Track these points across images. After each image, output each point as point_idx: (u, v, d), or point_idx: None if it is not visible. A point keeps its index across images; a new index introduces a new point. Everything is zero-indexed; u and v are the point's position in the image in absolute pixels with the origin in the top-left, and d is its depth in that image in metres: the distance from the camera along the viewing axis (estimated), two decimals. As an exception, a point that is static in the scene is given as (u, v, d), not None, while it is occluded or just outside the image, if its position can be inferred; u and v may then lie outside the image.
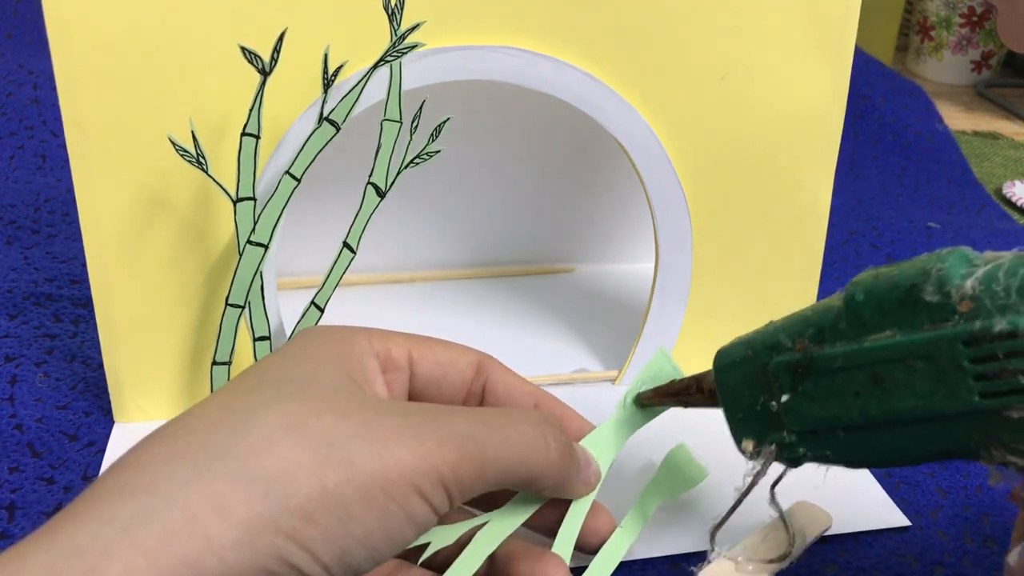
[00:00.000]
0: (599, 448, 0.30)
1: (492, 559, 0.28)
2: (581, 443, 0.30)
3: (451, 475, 0.24)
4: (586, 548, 0.30)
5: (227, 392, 0.24)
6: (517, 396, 0.30)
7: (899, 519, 0.34)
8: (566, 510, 0.29)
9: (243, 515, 0.21)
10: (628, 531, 0.31)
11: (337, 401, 0.24)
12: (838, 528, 0.33)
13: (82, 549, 0.20)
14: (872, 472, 0.36)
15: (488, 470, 0.25)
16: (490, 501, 0.29)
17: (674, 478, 0.33)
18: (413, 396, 0.29)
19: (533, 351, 0.43)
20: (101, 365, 0.36)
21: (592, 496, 0.30)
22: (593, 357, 0.42)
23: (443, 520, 0.28)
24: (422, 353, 0.29)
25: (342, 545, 0.22)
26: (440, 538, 0.27)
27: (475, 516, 0.28)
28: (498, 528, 0.28)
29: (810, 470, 0.36)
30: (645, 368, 0.32)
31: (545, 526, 0.30)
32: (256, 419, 0.23)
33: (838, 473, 0.36)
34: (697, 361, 0.41)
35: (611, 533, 0.30)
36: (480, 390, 0.30)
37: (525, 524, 0.29)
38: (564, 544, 0.29)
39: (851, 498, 0.35)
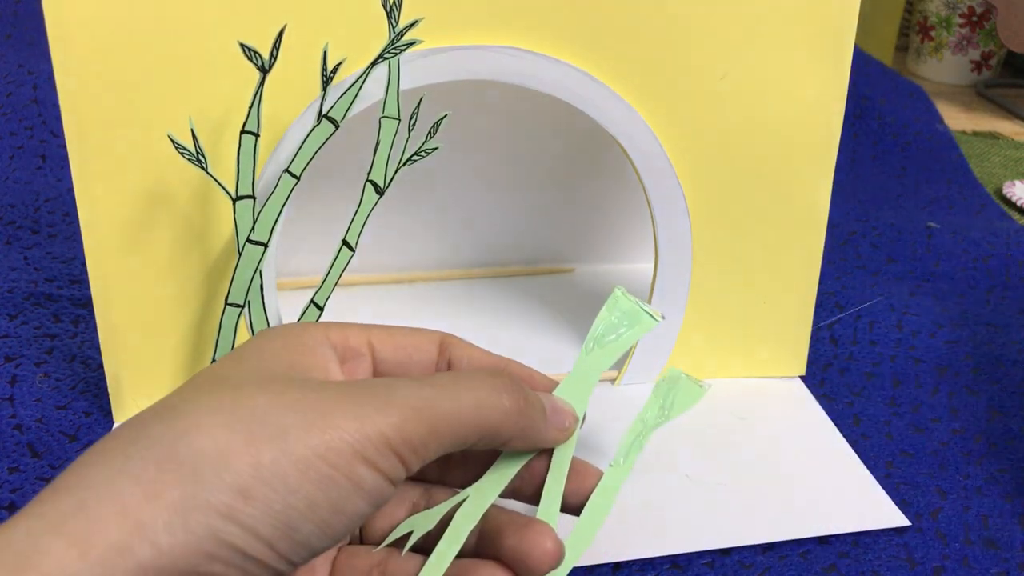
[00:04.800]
0: (569, 399, 0.29)
1: (480, 536, 0.27)
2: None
3: (398, 437, 0.23)
4: (575, 508, 0.28)
5: (166, 396, 0.24)
6: (482, 367, 0.29)
7: (899, 519, 0.34)
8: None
9: (173, 498, 0.21)
10: (620, 469, 0.29)
11: (273, 385, 0.23)
12: (838, 528, 0.33)
13: (14, 545, 0.20)
14: (872, 472, 0.36)
15: (440, 427, 0.24)
16: (473, 477, 0.28)
17: (670, 399, 0.31)
18: None
19: (533, 351, 0.43)
20: (101, 365, 0.36)
21: (572, 446, 0.28)
22: (593, 357, 0.42)
23: (428, 503, 0.28)
24: (381, 339, 0.28)
25: (284, 520, 0.22)
26: (422, 524, 0.27)
27: (457, 494, 0.28)
28: (478, 501, 0.27)
29: (809, 470, 0.36)
30: (605, 311, 0.30)
31: (532, 493, 0.28)
32: (186, 409, 0.22)
33: (838, 473, 0.36)
34: (697, 361, 0.41)
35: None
36: (447, 367, 0.29)
37: (512, 495, 0.28)
38: (549, 505, 0.28)
39: (851, 498, 0.35)
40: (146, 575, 0.20)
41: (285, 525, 0.22)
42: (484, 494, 0.27)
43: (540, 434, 0.27)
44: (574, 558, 0.27)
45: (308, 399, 0.23)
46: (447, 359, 0.29)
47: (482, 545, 0.27)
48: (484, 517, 0.27)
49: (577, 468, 0.28)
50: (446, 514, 0.27)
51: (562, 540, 0.26)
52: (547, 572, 0.25)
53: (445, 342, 0.29)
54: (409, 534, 0.27)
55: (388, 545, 0.27)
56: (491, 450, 0.27)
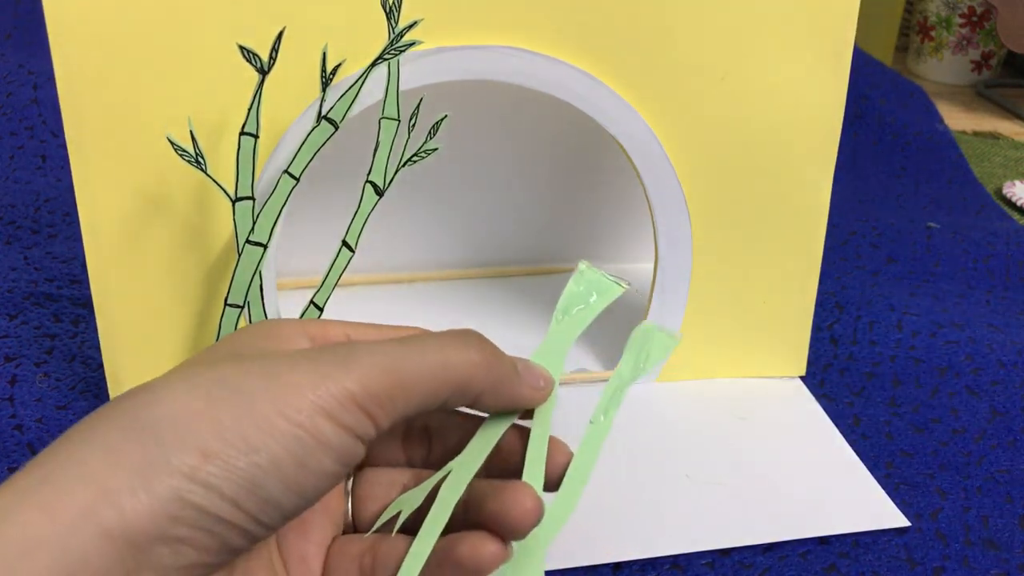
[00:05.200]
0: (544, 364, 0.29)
1: (465, 508, 0.26)
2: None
3: (363, 393, 0.23)
4: (552, 484, 0.28)
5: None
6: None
7: (899, 520, 0.34)
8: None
9: (136, 462, 0.21)
10: (601, 426, 0.29)
11: (240, 359, 0.23)
12: (838, 529, 0.33)
13: None
14: (872, 472, 0.36)
15: (407, 381, 0.24)
16: (455, 451, 0.28)
17: (644, 352, 0.30)
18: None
19: (533, 351, 0.42)
20: (101, 365, 0.36)
21: (550, 411, 0.28)
22: (593, 357, 0.42)
23: (415, 482, 0.28)
24: (360, 332, 0.28)
25: (248, 477, 0.21)
26: (409, 503, 0.27)
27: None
28: (461, 474, 0.26)
29: (809, 470, 0.36)
30: (572, 284, 0.30)
31: (515, 470, 0.28)
32: (154, 384, 0.23)
33: (838, 474, 0.36)
34: (697, 361, 0.41)
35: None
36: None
37: (495, 471, 0.28)
38: (533, 468, 0.27)
39: (851, 498, 0.35)
40: (112, 539, 0.20)
41: (250, 483, 0.21)
42: (467, 466, 0.27)
43: (513, 390, 0.27)
44: (563, 517, 0.27)
45: (270, 365, 0.23)
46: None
47: (468, 516, 0.26)
48: (468, 489, 0.26)
49: (553, 444, 0.28)
50: (432, 491, 0.26)
51: (542, 499, 0.26)
52: (529, 528, 0.25)
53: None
54: (399, 516, 0.27)
55: (378, 529, 0.27)
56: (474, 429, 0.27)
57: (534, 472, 0.27)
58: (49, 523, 0.20)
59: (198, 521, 0.21)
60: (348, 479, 0.28)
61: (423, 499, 0.27)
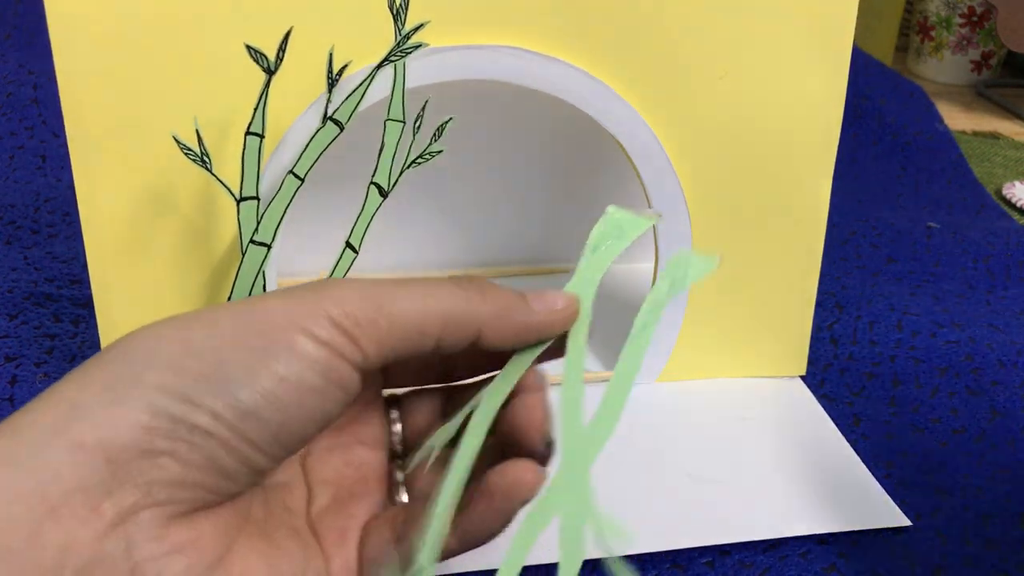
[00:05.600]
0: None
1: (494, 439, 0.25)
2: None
3: (338, 311, 0.22)
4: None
5: None
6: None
7: (899, 519, 0.34)
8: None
9: (107, 380, 0.21)
10: (640, 339, 0.27)
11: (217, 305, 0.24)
12: (838, 527, 0.33)
13: None
14: (872, 472, 0.36)
15: (388, 307, 0.23)
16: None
17: (681, 272, 0.28)
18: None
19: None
20: (101, 365, 0.36)
21: (583, 331, 0.26)
22: (593, 357, 0.42)
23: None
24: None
25: (221, 386, 0.21)
26: (440, 437, 0.26)
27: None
28: (491, 403, 0.25)
29: (809, 470, 0.36)
30: (600, 225, 0.29)
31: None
32: (135, 331, 0.22)
33: (838, 473, 0.36)
34: (697, 361, 0.41)
35: None
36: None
37: None
38: (570, 394, 0.26)
39: (851, 498, 0.35)
40: (86, 451, 0.20)
41: (224, 391, 0.21)
42: (496, 394, 0.25)
43: (523, 316, 0.25)
44: (607, 430, 0.26)
45: (243, 301, 0.23)
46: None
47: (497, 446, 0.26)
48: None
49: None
50: (462, 423, 0.25)
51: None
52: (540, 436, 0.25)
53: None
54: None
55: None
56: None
57: (571, 396, 0.26)
58: (15, 443, 0.20)
59: (175, 432, 0.20)
60: (395, 463, 0.27)
61: (454, 432, 0.25)
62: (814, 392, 0.41)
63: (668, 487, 0.35)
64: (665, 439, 0.38)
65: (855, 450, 0.37)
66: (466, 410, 0.26)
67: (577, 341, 0.27)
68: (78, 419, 0.20)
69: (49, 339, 0.41)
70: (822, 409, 0.40)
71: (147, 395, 0.20)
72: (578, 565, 0.23)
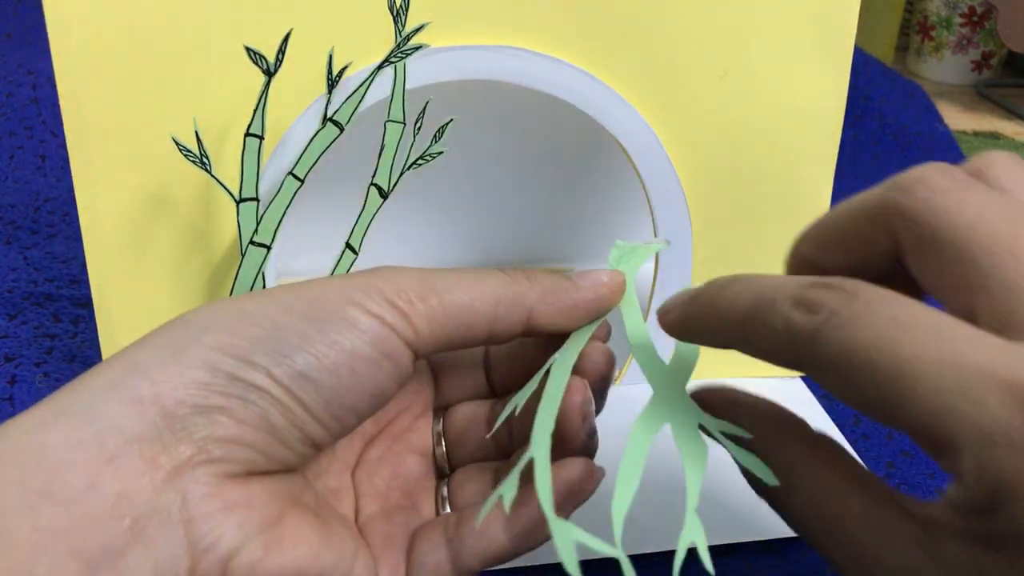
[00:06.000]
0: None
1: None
2: None
3: (390, 287, 0.23)
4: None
5: None
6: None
7: (900, 519, 0.34)
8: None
9: (164, 342, 0.22)
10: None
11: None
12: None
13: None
14: (872, 470, 0.36)
15: (439, 287, 0.24)
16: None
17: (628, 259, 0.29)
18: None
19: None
20: (101, 365, 0.36)
21: (632, 302, 0.27)
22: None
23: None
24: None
25: (276, 347, 0.22)
26: (522, 394, 0.26)
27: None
28: (563, 365, 0.25)
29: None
30: (613, 254, 0.29)
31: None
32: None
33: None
34: (697, 362, 0.41)
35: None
36: None
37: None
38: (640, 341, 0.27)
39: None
40: (143, 404, 0.20)
41: (278, 353, 0.21)
42: (566, 358, 0.25)
43: (571, 296, 0.26)
44: (691, 358, 0.28)
45: (295, 285, 0.24)
46: None
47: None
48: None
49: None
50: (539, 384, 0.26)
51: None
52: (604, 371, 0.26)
53: None
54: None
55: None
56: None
57: (641, 341, 0.27)
58: (76, 395, 0.20)
59: (230, 389, 0.21)
60: (441, 480, 0.27)
61: (535, 387, 0.25)
62: (814, 392, 0.41)
63: (668, 486, 0.35)
64: (665, 439, 0.38)
65: (855, 450, 0.37)
66: (539, 375, 0.26)
67: (630, 309, 0.27)
68: (136, 375, 0.21)
69: (49, 339, 0.41)
70: (822, 409, 0.40)
71: (204, 354, 0.21)
72: (704, 459, 0.26)
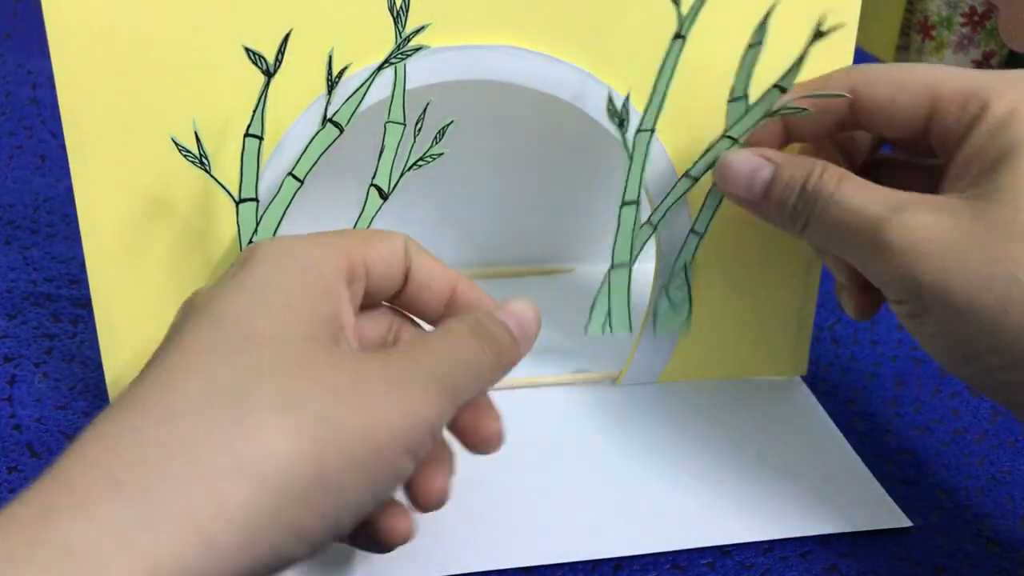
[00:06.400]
0: None
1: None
2: None
3: (438, 421, 0.24)
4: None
5: (204, 356, 0.23)
6: (436, 279, 0.29)
7: (900, 520, 0.34)
8: None
9: (243, 516, 0.20)
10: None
11: (323, 370, 0.23)
12: (838, 528, 0.33)
13: (76, 553, 0.19)
14: (873, 472, 0.36)
15: (459, 401, 0.25)
16: None
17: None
18: (366, 295, 0.28)
19: (533, 351, 0.42)
20: (100, 365, 0.36)
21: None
22: (593, 357, 0.42)
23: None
24: (371, 256, 0.28)
25: (335, 518, 0.22)
26: None
27: None
28: None
29: (810, 470, 0.36)
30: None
31: None
32: (249, 404, 0.22)
33: (839, 473, 0.36)
34: (698, 361, 0.41)
35: None
36: (406, 273, 0.29)
37: None
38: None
39: (852, 498, 0.35)
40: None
41: (335, 522, 0.22)
42: None
43: (515, 362, 0.28)
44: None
45: (358, 389, 0.23)
46: (408, 265, 0.29)
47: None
48: None
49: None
50: None
51: None
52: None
53: (407, 248, 0.29)
54: None
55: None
56: None
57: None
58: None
59: (272, 561, 0.21)
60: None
61: None
62: (814, 392, 0.41)
63: (668, 486, 0.35)
64: (665, 439, 0.38)
65: (856, 450, 0.37)
66: None
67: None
68: (213, 560, 0.20)
69: (48, 339, 0.41)
70: (822, 409, 0.40)
71: (277, 539, 0.21)
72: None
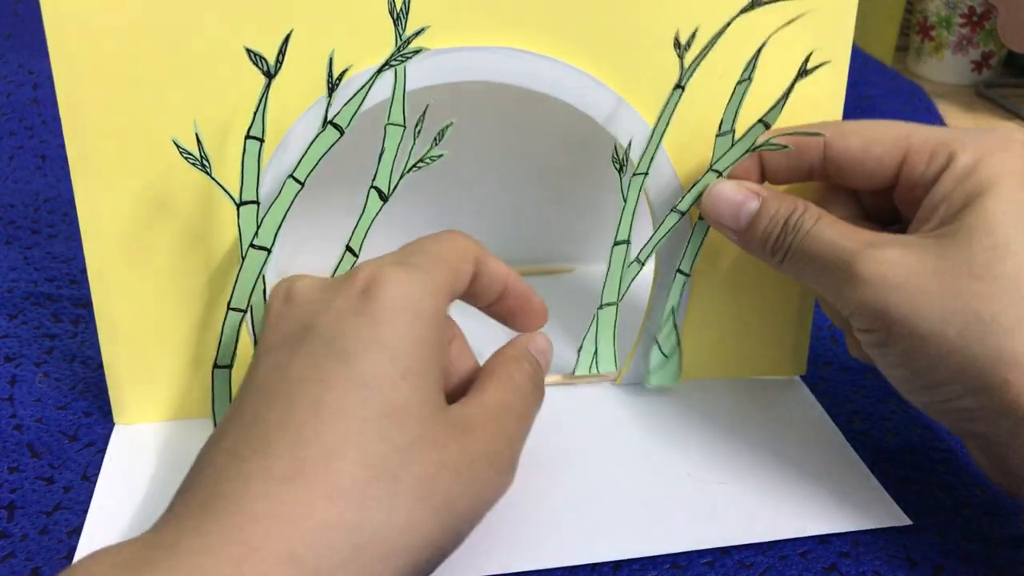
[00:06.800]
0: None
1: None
2: None
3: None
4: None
5: (356, 426, 0.24)
6: (497, 281, 0.33)
7: (900, 518, 0.34)
8: None
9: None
10: None
11: (449, 453, 0.26)
12: (838, 527, 0.33)
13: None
14: (872, 471, 0.36)
15: None
16: None
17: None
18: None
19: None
20: (101, 365, 0.36)
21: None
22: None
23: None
24: (460, 285, 0.30)
25: (434, 570, 0.26)
26: None
27: None
28: None
29: (810, 470, 0.36)
30: None
31: None
32: (398, 490, 0.24)
33: (838, 472, 0.36)
34: (697, 360, 0.41)
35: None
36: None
37: None
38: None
39: (851, 497, 0.35)
40: None
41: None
42: None
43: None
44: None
45: (471, 466, 0.26)
46: (476, 272, 0.31)
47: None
48: None
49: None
50: None
51: None
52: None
53: (477, 258, 0.31)
54: None
55: None
56: None
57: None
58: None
59: None
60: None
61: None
62: (814, 392, 0.41)
63: (668, 487, 0.35)
64: (664, 439, 0.38)
65: (855, 449, 0.37)
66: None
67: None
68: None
69: (49, 339, 0.41)
70: (822, 409, 0.40)
71: None
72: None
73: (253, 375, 0.27)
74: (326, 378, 0.25)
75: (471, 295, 0.32)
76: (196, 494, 0.24)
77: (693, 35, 0.34)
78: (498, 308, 0.33)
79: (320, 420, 0.24)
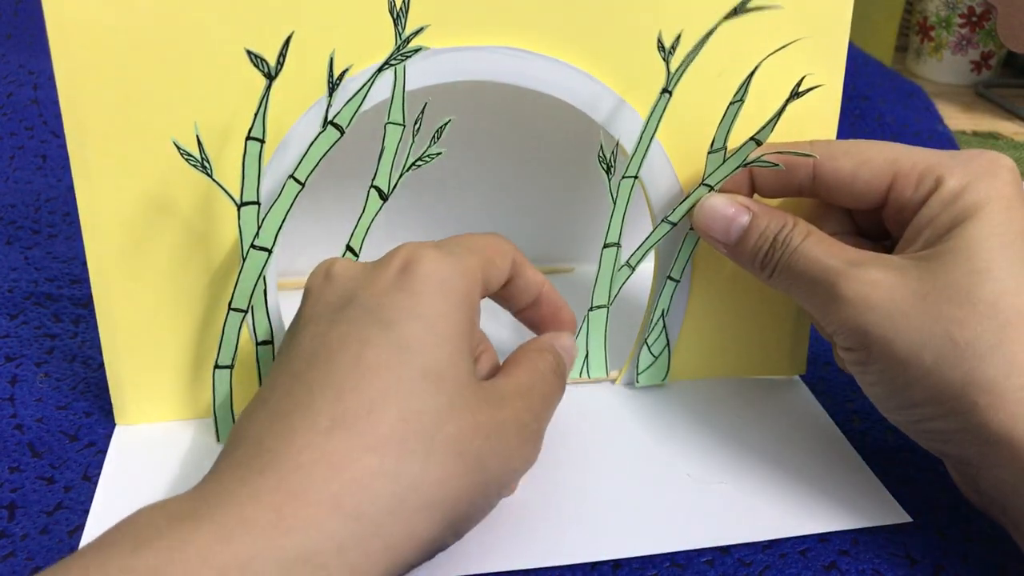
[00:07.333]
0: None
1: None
2: None
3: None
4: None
5: (395, 385, 0.25)
6: (531, 287, 0.33)
7: (899, 516, 0.34)
8: None
9: (426, 546, 0.25)
10: None
11: (481, 416, 0.27)
12: (838, 525, 0.33)
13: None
14: (872, 469, 0.36)
15: None
16: None
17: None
18: None
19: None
20: (101, 365, 0.36)
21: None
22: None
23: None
24: (493, 277, 0.31)
25: (467, 530, 0.28)
26: None
27: None
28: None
29: (809, 468, 0.36)
30: None
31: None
32: (434, 446, 0.25)
33: (838, 471, 0.36)
34: (697, 360, 0.41)
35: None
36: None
37: None
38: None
39: (851, 495, 0.35)
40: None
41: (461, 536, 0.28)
42: None
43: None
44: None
45: (500, 431, 0.27)
46: (512, 275, 0.32)
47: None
48: None
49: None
50: None
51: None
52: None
53: (515, 261, 0.32)
54: None
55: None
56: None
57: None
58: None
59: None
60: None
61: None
62: (813, 391, 0.41)
63: (668, 486, 0.35)
64: (664, 438, 0.38)
65: (855, 447, 0.37)
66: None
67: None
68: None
69: (49, 339, 0.41)
70: (822, 408, 0.40)
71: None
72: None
73: (292, 344, 0.28)
74: (367, 339, 0.26)
75: (506, 297, 0.33)
76: (239, 451, 0.24)
77: (677, 39, 0.34)
78: (530, 314, 0.34)
79: (360, 374, 0.25)
